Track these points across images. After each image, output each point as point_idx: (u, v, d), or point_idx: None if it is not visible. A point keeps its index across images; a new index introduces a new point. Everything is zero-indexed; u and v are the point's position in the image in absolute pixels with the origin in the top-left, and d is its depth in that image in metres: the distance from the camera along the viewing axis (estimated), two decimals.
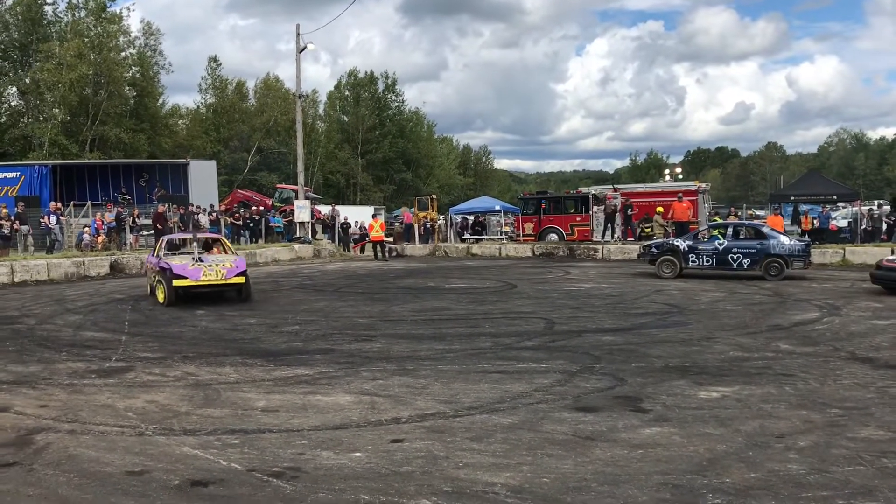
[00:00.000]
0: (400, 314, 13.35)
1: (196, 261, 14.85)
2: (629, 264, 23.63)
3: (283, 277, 21.10)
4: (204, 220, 28.73)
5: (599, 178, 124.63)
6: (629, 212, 28.58)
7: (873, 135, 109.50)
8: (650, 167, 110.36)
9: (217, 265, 14.77)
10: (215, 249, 16.89)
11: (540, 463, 5.37)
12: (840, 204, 33.63)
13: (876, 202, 47.52)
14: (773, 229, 19.78)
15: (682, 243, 19.30)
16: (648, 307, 13.76)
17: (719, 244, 18.80)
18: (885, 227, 25.69)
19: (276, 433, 6.15)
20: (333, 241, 31.94)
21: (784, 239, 18.90)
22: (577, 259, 26.40)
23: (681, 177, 58.23)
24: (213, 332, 11.66)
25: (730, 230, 19.31)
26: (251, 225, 30.80)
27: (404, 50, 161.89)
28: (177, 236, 18.99)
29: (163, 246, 16.22)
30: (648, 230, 27.53)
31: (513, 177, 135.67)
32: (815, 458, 5.46)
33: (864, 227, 26.65)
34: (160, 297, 14.79)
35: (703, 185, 32.37)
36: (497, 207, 37.95)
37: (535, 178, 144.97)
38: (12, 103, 50.14)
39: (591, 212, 29.17)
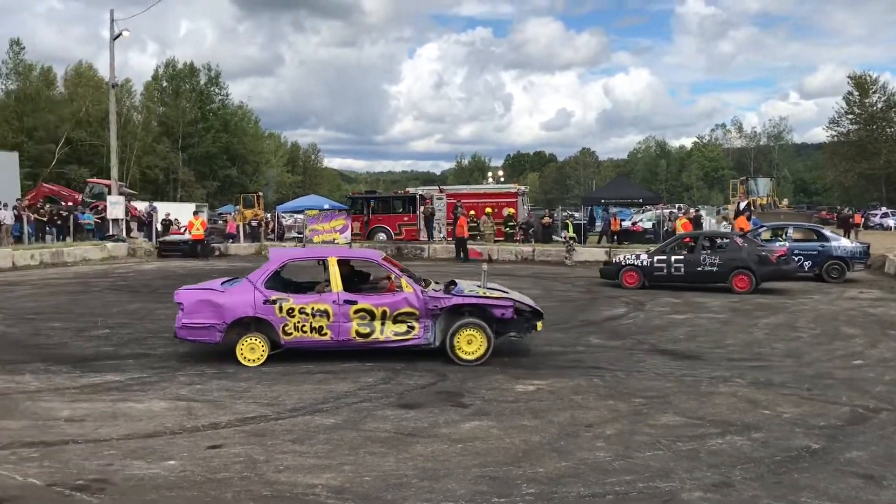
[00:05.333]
0: None
1: None
2: (452, 263, 24.31)
3: (93, 278, 19.72)
4: (5, 215, 26.39)
5: (427, 178, 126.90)
6: (458, 212, 29.21)
7: (676, 143, 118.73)
8: (474, 169, 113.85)
9: None
10: None
11: (362, 462, 5.39)
12: (646, 207, 36.09)
13: (676, 206, 51.51)
14: (833, 232, 19.69)
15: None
16: None
17: (780, 246, 17.70)
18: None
19: (82, 444, 5.76)
20: (150, 239, 30.25)
21: (845, 242, 18.90)
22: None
23: (503, 180, 60.50)
24: (10, 337, 10.73)
25: (790, 231, 18.93)
26: (58, 222, 28.55)
27: (238, 42, 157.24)
28: None
29: None
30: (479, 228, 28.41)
31: (343, 176, 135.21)
32: (619, 444, 5.85)
33: (665, 228, 28.71)
34: None
35: (523, 187, 33.90)
36: (326, 206, 37.59)
37: (366, 177, 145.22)
38: None
39: (418, 212, 29.61)
